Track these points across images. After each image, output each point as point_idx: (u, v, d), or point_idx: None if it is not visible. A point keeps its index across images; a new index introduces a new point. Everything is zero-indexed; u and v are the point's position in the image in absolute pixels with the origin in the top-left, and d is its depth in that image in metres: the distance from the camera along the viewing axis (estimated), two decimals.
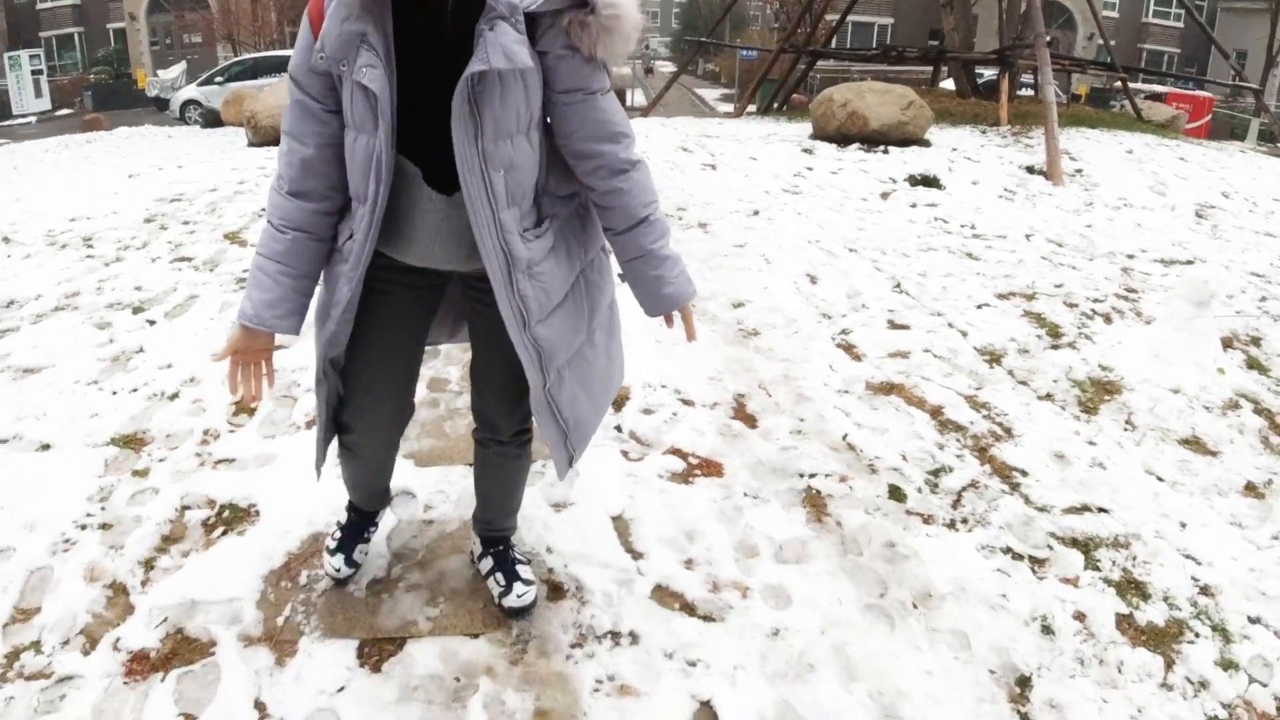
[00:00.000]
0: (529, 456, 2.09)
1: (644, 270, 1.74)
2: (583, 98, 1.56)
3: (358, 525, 2.23)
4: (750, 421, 3.11)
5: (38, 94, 28.66)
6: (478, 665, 1.98)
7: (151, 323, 3.82)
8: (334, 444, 1.99)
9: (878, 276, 4.90)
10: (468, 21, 1.46)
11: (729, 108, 22.87)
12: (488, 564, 2.16)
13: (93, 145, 15.01)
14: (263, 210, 5.86)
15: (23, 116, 27.65)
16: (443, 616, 2.11)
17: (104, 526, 2.49)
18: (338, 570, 2.17)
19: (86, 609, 2.19)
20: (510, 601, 2.08)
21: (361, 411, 1.88)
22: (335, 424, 1.91)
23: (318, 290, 1.78)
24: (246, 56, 22.84)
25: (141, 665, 2.02)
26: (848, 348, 3.86)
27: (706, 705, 1.89)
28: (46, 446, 2.90)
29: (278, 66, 19.46)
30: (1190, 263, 5.72)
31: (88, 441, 2.91)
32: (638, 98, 26.43)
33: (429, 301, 1.86)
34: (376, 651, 2.02)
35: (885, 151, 9.14)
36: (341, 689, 1.92)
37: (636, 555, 2.33)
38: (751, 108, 15.76)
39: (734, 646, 2.05)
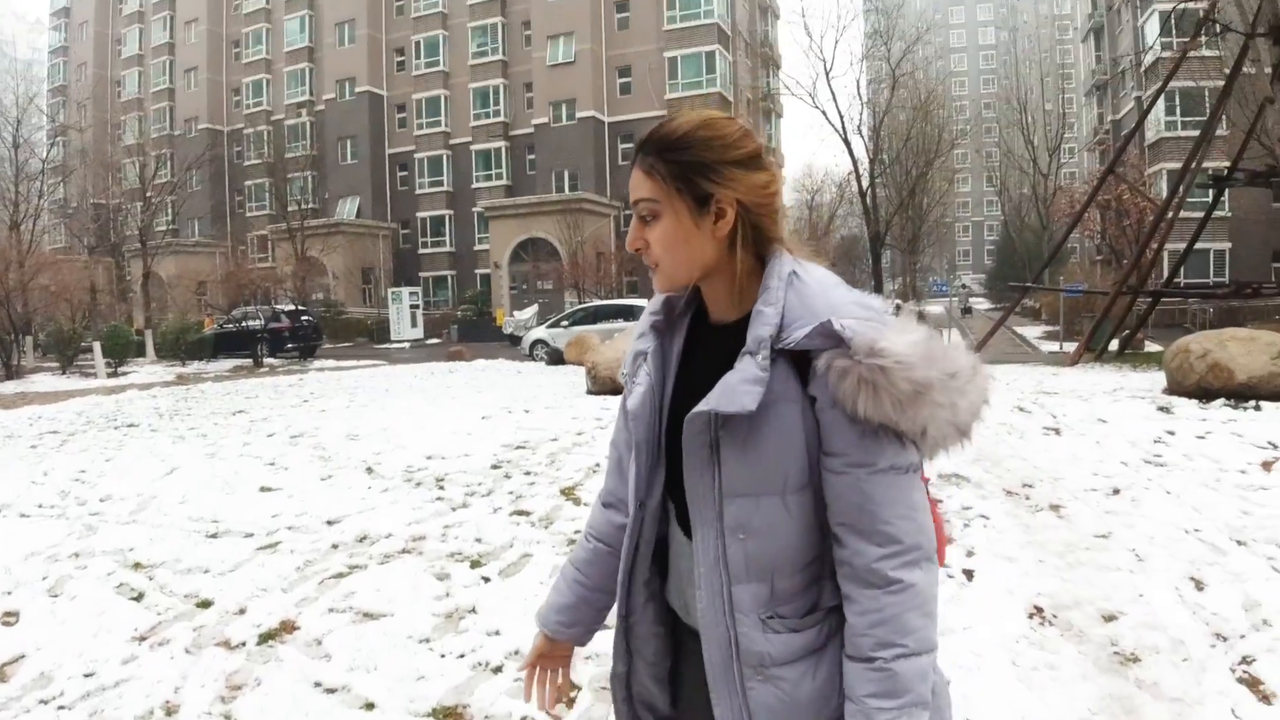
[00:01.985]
0: None
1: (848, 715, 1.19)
2: (842, 468, 1.16)
3: None
4: None
5: (413, 324, 34.87)
6: None
7: (486, 580, 3.99)
8: None
9: (1276, 580, 3.98)
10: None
11: (1053, 346, 21.56)
12: None
13: (453, 375, 17.10)
14: (597, 465, 6.28)
15: (399, 342, 33.34)
16: None
17: None
18: None
19: None
20: None
21: None
22: None
23: None
24: (589, 304, 25.44)
25: None
26: (1252, 683, 3.05)
27: None
28: (370, 706, 2.99)
29: (617, 313, 21.68)
30: None
31: (410, 707, 2.96)
32: (954, 338, 25.83)
33: None
34: None
35: (1257, 408, 7.96)
36: None
37: None
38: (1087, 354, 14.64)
39: None
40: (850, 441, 1.15)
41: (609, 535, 1.50)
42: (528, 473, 5.73)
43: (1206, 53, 19.80)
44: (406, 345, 32.40)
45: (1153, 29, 33.44)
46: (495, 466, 5.89)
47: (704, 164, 1.20)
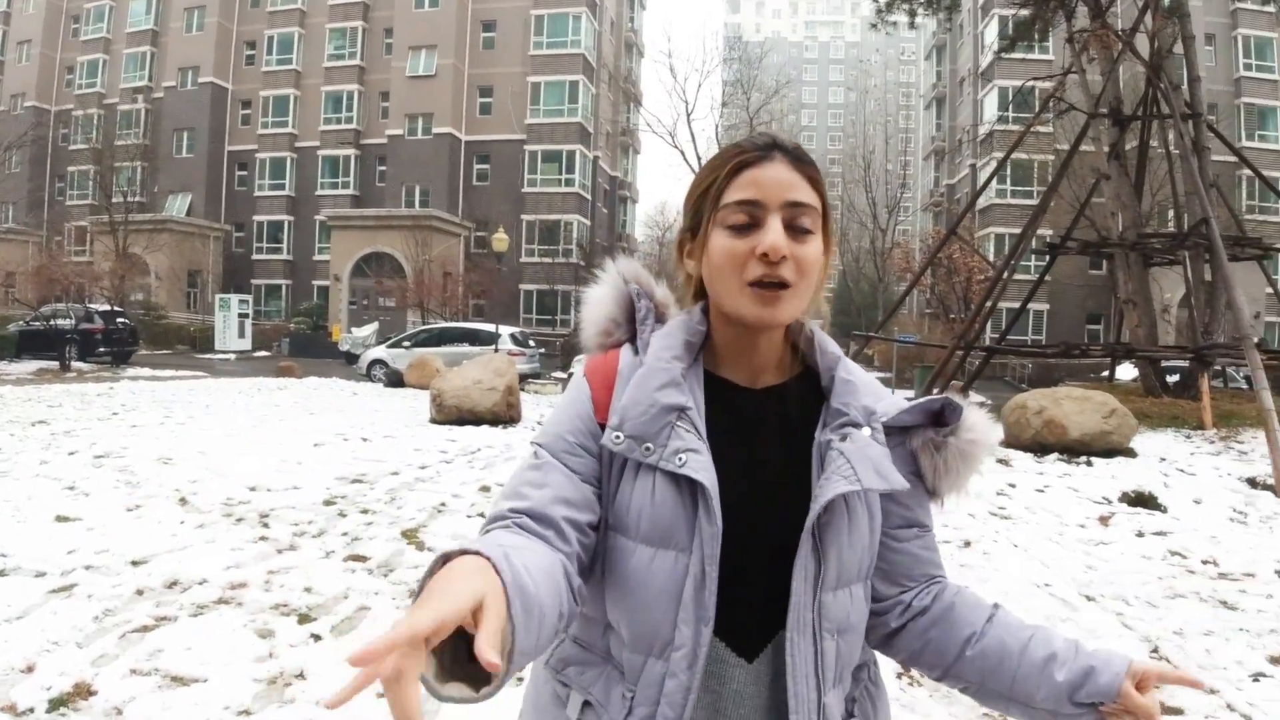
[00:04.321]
0: None
1: (1040, 656, 1.04)
2: (918, 534, 1.17)
3: None
4: None
5: (241, 334, 32.32)
6: None
7: (317, 637, 3.49)
8: None
9: (1129, 636, 4.10)
10: (806, 425, 1.09)
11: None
12: None
13: (283, 393, 15.83)
14: (443, 504, 5.76)
15: (224, 352, 30.95)
16: None
17: None
18: None
19: None
20: None
21: None
22: None
23: None
24: (434, 325, 24.49)
25: None
26: None
27: None
28: None
29: (461, 337, 21.02)
30: None
31: None
32: None
33: None
34: None
35: (1089, 464, 8.49)
36: None
37: None
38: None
39: None
40: (925, 513, 1.17)
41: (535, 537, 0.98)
42: (365, 510, 5.20)
43: (1040, 129, 21.58)
44: (232, 356, 30.12)
45: (991, 103, 36.30)
46: (329, 503, 5.31)
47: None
